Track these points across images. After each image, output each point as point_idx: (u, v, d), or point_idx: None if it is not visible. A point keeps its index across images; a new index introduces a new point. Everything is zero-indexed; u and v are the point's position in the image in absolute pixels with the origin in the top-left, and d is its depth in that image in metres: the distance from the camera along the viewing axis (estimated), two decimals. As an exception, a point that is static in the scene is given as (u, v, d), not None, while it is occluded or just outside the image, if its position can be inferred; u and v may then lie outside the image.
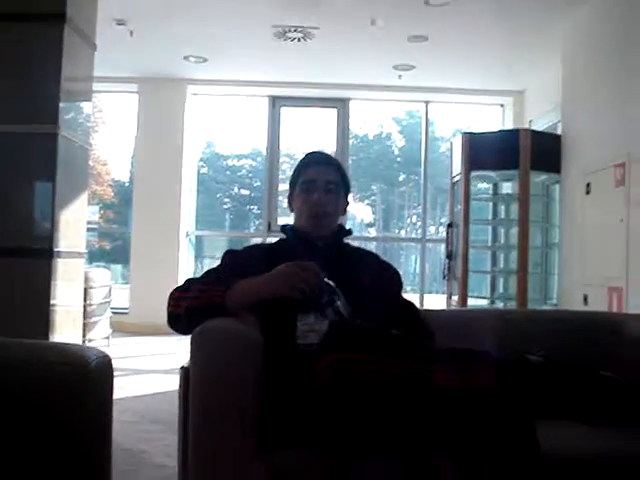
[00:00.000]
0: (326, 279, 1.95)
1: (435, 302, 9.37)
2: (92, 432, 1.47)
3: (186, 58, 7.89)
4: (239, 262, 2.15)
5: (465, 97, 9.05)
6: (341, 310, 1.94)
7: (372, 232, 12.51)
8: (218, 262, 2.22)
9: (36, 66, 4.30)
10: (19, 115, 4.25)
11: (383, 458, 1.67)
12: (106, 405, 1.50)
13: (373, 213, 12.66)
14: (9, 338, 1.66)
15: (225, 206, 12.15)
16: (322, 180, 2.20)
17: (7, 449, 1.39)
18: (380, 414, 1.65)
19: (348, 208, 2.35)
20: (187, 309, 1.94)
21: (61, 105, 4.28)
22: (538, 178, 6.49)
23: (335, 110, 9.10)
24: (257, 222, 10.87)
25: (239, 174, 12.31)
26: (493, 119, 9.28)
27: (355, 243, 2.37)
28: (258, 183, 11.06)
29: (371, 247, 10.35)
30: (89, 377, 1.41)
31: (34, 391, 1.41)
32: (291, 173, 2.33)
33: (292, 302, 1.90)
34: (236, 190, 12.54)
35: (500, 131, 7.80)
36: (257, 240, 9.32)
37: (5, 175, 4.28)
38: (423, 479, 1.65)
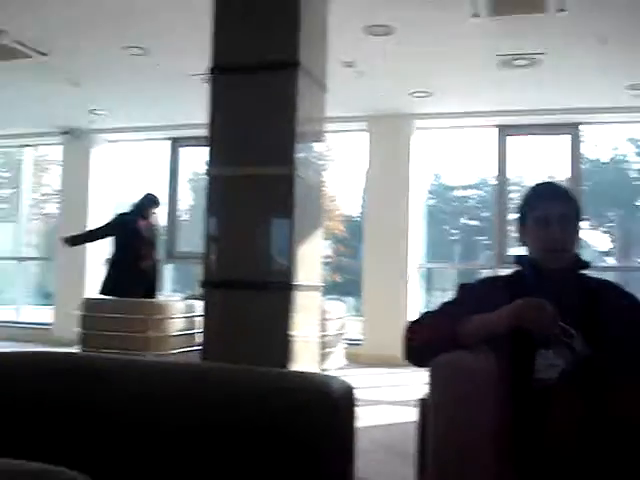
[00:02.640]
0: (562, 324, 1.90)
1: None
2: (336, 461, 1.52)
3: (411, 94, 8.02)
4: (474, 295, 2.15)
5: None
6: (578, 349, 1.88)
7: (610, 261, 11.85)
8: (450, 295, 2.24)
9: (274, 111, 4.58)
10: (259, 158, 4.53)
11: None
12: (349, 435, 1.54)
13: (611, 241, 12.01)
14: (253, 366, 1.77)
15: (453, 237, 12.10)
16: (556, 214, 2.14)
17: (252, 476, 1.47)
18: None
19: (580, 236, 2.28)
20: (424, 342, 1.97)
21: (296, 146, 4.51)
22: None
23: (566, 136, 8.80)
24: (487, 253, 10.71)
25: (466, 204, 12.22)
26: None
27: (591, 273, 2.28)
28: (486, 213, 10.92)
29: (609, 277, 9.82)
30: (333, 406, 1.46)
31: (279, 419, 1.48)
32: (520, 203, 2.30)
33: (528, 337, 1.88)
34: (464, 221, 12.45)
35: None
36: (487, 271, 9.19)
37: (246, 214, 4.57)
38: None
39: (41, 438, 1.55)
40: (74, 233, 7.93)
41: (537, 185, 2.30)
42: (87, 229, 8.38)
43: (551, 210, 2.15)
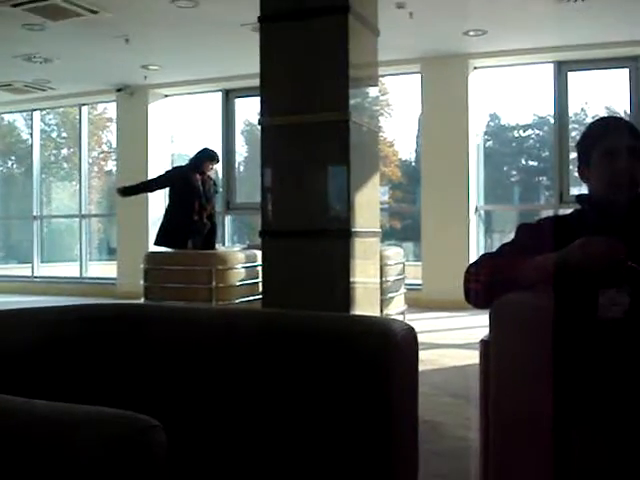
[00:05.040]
0: (630, 263, 1.86)
1: None
2: (398, 403, 1.54)
3: (466, 33, 7.85)
4: (534, 235, 2.12)
5: None
6: None
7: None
8: (511, 236, 2.21)
9: (325, 57, 4.53)
10: (312, 106, 4.51)
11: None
12: (412, 377, 1.56)
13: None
14: (317, 312, 1.80)
15: (513, 179, 11.91)
16: (624, 147, 2.08)
17: (319, 417, 1.50)
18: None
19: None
20: (484, 284, 1.96)
21: (350, 92, 4.47)
22: None
23: (626, 70, 8.51)
24: (547, 194, 10.53)
25: (526, 145, 11.99)
26: None
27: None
28: (546, 153, 10.71)
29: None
30: (396, 348, 1.48)
31: (343, 361, 1.51)
32: (579, 140, 2.24)
33: (591, 276, 1.84)
34: (523, 162, 12.23)
35: None
36: (548, 212, 9.04)
37: (302, 163, 4.57)
38: None
39: (110, 385, 1.60)
40: (128, 184, 8.05)
41: (602, 119, 2.25)
42: (142, 181, 8.47)
43: (620, 143, 2.09)
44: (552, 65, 8.73)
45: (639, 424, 1.63)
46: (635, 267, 1.83)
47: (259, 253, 5.36)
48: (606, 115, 2.50)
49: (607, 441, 1.65)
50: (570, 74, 8.74)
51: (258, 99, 4.74)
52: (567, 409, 1.71)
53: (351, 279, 4.39)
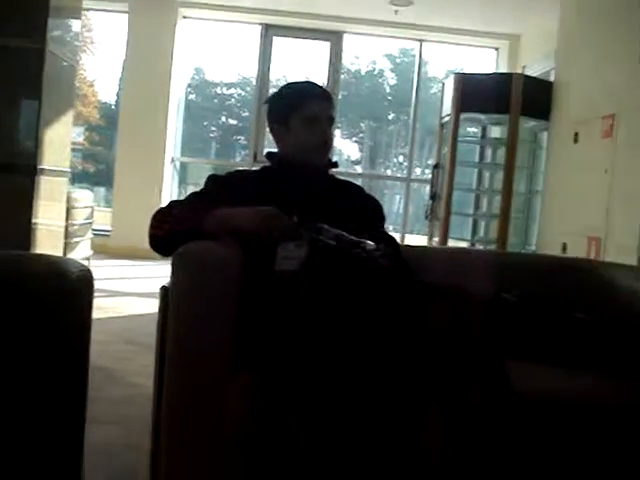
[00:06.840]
0: (319, 224, 1.97)
1: (417, 242, 9.43)
2: (71, 344, 1.48)
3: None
4: (223, 187, 2.16)
5: (461, 38, 8.94)
6: (327, 236, 1.96)
7: (358, 169, 12.47)
8: (202, 187, 2.22)
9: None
10: (6, 28, 4.17)
11: (364, 400, 1.69)
12: (85, 319, 1.51)
13: (360, 150, 12.60)
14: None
15: (212, 134, 12.04)
16: (325, 114, 2.22)
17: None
18: (358, 349, 1.69)
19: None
20: (169, 231, 1.95)
21: (49, 20, 4.20)
22: (527, 124, 6.47)
23: (328, 43, 8.97)
24: (243, 152, 10.81)
25: (228, 103, 12.17)
26: (487, 62, 9.19)
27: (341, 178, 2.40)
28: (247, 113, 10.96)
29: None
30: (70, 288, 1.42)
31: (15, 300, 1.42)
32: (275, 99, 2.33)
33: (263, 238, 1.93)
34: (224, 119, 12.41)
35: (493, 74, 7.75)
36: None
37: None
38: (407, 422, 1.66)
39: None
40: None
41: (303, 83, 2.34)
42: None
43: (322, 109, 2.22)
44: (259, 27, 8.91)
45: (307, 369, 1.72)
46: (317, 224, 1.95)
47: None
48: (307, 80, 2.63)
49: (276, 385, 1.73)
50: (275, 39, 8.99)
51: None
52: (243, 354, 1.77)
53: (33, 219, 4.16)
